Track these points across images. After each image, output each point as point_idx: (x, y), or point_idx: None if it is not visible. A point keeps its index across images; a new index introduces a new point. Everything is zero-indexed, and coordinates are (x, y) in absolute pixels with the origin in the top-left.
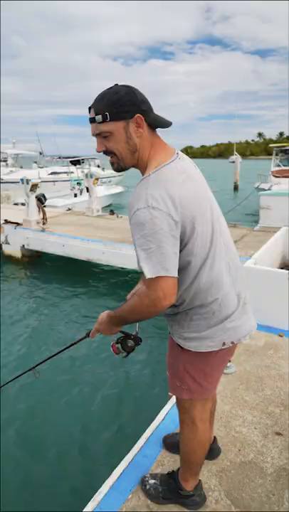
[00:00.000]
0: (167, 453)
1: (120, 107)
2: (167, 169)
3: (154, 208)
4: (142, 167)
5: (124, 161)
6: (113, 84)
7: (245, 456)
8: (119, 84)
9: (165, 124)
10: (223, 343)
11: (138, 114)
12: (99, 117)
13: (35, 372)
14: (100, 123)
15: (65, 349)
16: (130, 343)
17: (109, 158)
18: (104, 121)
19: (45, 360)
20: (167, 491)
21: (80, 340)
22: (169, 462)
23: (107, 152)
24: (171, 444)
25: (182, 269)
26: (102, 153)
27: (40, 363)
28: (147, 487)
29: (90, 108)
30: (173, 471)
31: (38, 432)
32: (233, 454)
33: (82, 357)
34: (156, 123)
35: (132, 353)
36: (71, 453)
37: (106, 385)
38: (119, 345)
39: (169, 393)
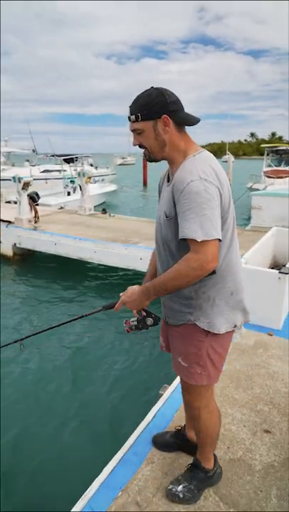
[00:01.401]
0: (157, 451)
1: (150, 109)
2: (207, 153)
3: (206, 180)
4: (178, 156)
5: (154, 154)
6: (149, 87)
7: (234, 453)
8: (154, 87)
9: (192, 122)
10: (235, 325)
11: (165, 115)
12: (133, 117)
13: (21, 345)
14: (133, 122)
15: (72, 320)
16: (149, 321)
17: (143, 152)
18: (136, 120)
19: (35, 334)
20: (198, 482)
21: (94, 312)
22: (159, 460)
23: (140, 146)
24: (161, 443)
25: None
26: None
27: (29, 337)
28: (181, 495)
29: (130, 107)
30: (192, 463)
31: (25, 427)
32: (222, 452)
33: (71, 353)
34: (184, 121)
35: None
36: (60, 451)
37: (96, 383)
38: (134, 324)
39: (165, 386)
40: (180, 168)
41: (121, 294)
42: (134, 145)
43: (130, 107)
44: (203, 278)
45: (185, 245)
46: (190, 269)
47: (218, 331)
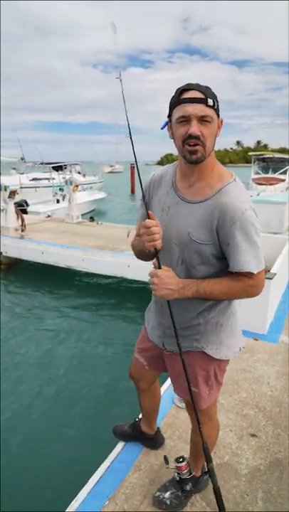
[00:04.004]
0: (144, 458)
1: (218, 104)
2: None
3: (254, 210)
4: (210, 167)
5: (207, 153)
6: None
7: (221, 458)
8: None
9: None
10: (239, 348)
11: (221, 118)
12: (210, 101)
13: None
14: (209, 106)
15: None
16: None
17: (192, 146)
18: (212, 107)
19: None
20: (189, 488)
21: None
22: (146, 467)
23: (198, 137)
24: (119, 432)
25: None
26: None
27: None
28: (168, 502)
29: (189, 89)
30: (178, 474)
31: (9, 436)
32: None
33: (56, 364)
34: None
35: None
36: (48, 460)
37: (83, 391)
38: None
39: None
40: (225, 193)
41: (158, 271)
42: (195, 134)
43: (201, 88)
44: (214, 303)
45: (209, 266)
46: (242, 291)
47: (225, 357)
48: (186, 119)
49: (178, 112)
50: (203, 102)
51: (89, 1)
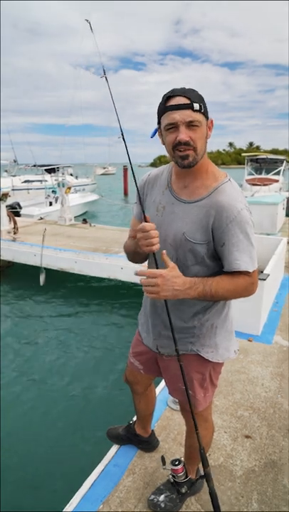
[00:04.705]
0: (138, 461)
1: (206, 106)
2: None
3: (249, 209)
4: (204, 167)
5: (199, 156)
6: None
7: (216, 460)
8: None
9: None
10: (235, 351)
11: (211, 119)
12: (197, 105)
13: None
14: (194, 111)
15: None
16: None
17: (183, 152)
18: (199, 111)
19: None
20: (185, 491)
21: None
22: (140, 470)
23: (188, 143)
24: (113, 435)
25: None
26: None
27: None
28: (162, 505)
29: (174, 96)
30: (174, 476)
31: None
32: None
33: (48, 366)
34: None
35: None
36: (41, 464)
37: (77, 394)
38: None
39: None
40: (221, 192)
41: (163, 271)
42: (185, 140)
43: (187, 93)
44: (209, 305)
45: (203, 266)
46: (244, 289)
47: (221, 360)
48: (173, 126)
49: (165, 120)
50: (189, 107)
51: (80, 1)
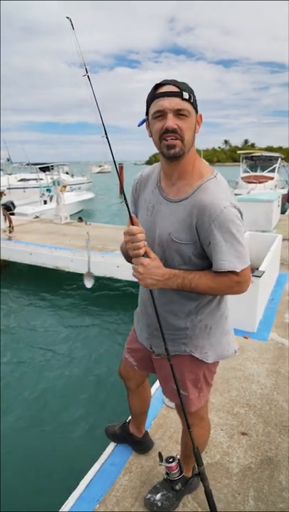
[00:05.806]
0: (135, 460)
1: (195, 99)
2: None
3: (235, 206)
4: (190, 164)
5: (186, 147)
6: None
7: (212, 457)
8: None
9: None
10: (235, 351)
11: (200, 114)
12: (186, 94)
13: None
14: (183, 100)
15: None
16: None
17: (169, 141)
18: (188, 100)
19: None
20: (179, 488)
21: None
22: (137, 469)
23: (175, 131)
24: (110, 433)
25: None
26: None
27: None
28: (159, 504)
29: (164, 84)
30: (168, 474)
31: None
32: None
33: (47, 364)
34: None
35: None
36: (37, 464)
37: (76, 391)
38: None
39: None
40: (204, 190)
41: (145, 261)
42: (172, 128)
43: (176, 83)
44: (202, 306)
45: (191, 266)
46: (229, 287)
47: (215, 361)
48: (161, 114)
49: (154, 108)
50: (178, 95)
51: (75, 0)
